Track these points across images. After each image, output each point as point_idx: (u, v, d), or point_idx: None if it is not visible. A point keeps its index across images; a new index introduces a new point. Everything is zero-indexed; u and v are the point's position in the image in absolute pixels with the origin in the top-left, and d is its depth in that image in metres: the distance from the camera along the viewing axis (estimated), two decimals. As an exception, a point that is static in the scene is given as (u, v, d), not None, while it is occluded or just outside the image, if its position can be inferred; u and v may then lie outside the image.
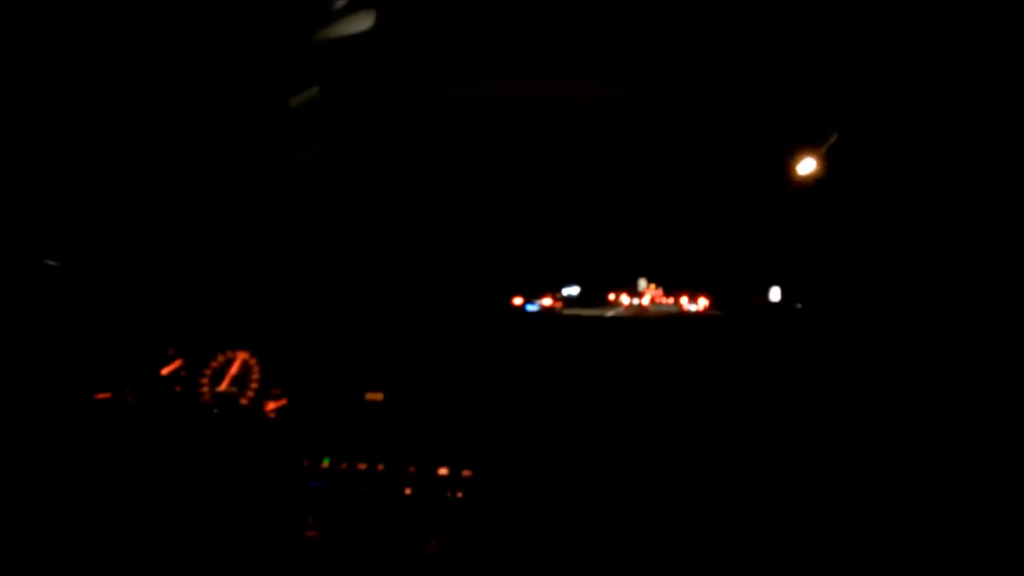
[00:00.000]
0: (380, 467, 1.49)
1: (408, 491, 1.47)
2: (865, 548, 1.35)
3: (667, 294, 3.53)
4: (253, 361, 1.70)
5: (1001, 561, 1.31)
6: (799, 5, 1.43)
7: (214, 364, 1.70)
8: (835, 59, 1.57)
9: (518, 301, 2.78)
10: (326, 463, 1.51)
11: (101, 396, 1.65)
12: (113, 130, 1.59)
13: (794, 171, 1.94)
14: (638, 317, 3.09)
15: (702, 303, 3.27)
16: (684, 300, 3.39)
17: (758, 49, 1.55)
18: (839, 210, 2.08)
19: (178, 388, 1.68)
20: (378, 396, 1.62)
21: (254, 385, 1.68)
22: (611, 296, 3.56)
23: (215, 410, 1.65)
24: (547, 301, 3.01)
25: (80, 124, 1.54)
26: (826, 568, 1.35)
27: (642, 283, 3.50)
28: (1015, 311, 1.87)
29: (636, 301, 3.52)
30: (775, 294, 2.76)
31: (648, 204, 2.43)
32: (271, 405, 1.65)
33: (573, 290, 3.23)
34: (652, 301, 3.53)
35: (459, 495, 1.45)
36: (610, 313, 3.21)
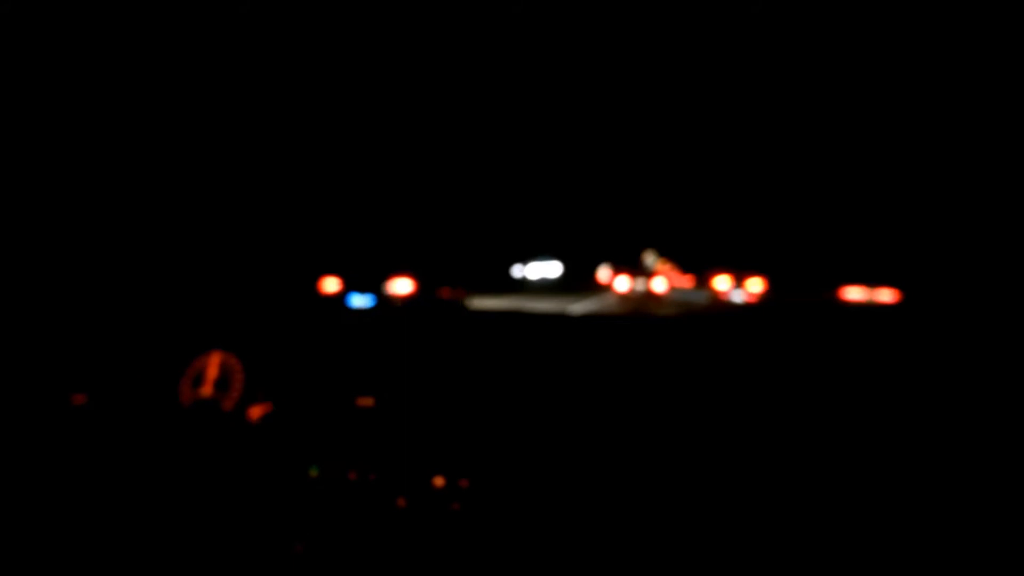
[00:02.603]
0: (372, 476, 1.45)
1: (402, 502, 1.42)
2: (867, 548, 1.32)
3: (687, 271, 2.33)
4: (236, 363, 1.62)
5: (1002, 561, 1.28)
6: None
7: (195, 366, 1.62)
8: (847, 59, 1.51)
9: (332, 286, 1.69)
10: (314, 472, 1.46)
11: (75, 399, 1.58)
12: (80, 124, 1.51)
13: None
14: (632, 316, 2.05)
15: (754, 287, 2.00)
16: (721, 282, 2.11)
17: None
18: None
19: (155, 392, 1.60)
20: (369, 401, 1.55)
21: (237, 389, 1.60)
22: (602, 275, 2.40)
23: (195, 416, 1.58)
24: (404, 286, 1.82)
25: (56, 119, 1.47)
26: (828, 568, 1.32)
27: (650, 258, 2.38)
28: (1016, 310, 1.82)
29: (639, 286, 2.36)
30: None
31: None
32: (255, 410, 1.58)
33: (542, 268, 2.16)
34: (671, 286, 2.33)
35: (455, 506, 1.40)
36: (578, 307, 2.11)
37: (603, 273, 2.37)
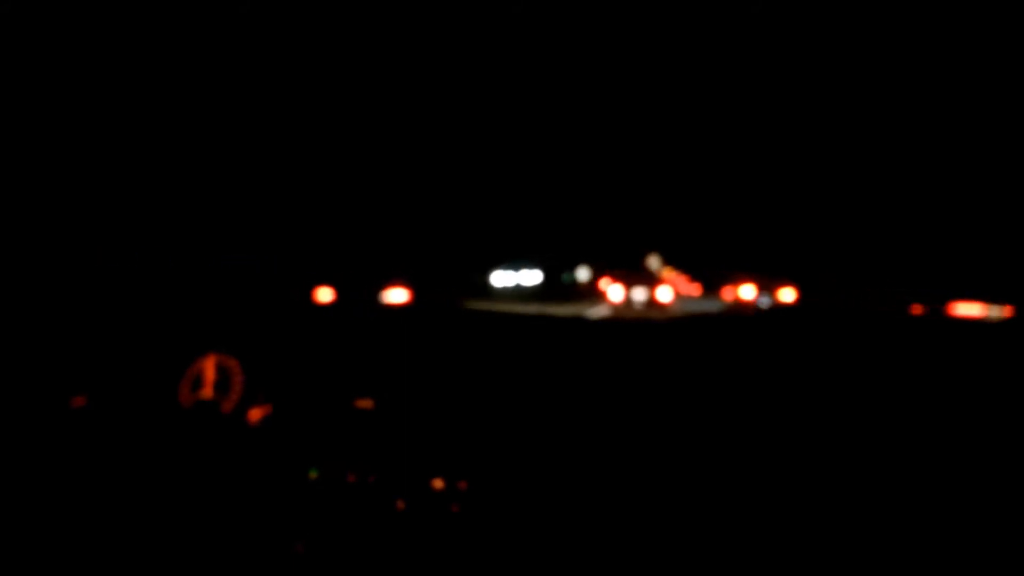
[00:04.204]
0: (371, 478, 1.44)
1: (401, 504, 1.41)
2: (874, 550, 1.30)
3: (696, 279, 2.05)
4: (235, 365, 1.61)
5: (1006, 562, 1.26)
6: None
7: (194, 368, 1.62)
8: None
9: (326, 296, 1.70)
10: (313, 474, 1.45)
11: (75, 402, 1.57)
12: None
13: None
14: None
15: (785, 296, 1.74)
16: (745, 291, 1.84)
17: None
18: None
19: (155, 394, 1.60)
20: (368, 403, 1.55)
21: (237, 391, 1.59)
22: (581, 278, 2.08)
23: (195, 417, 1.58)
24: (399, 295, 1.79)
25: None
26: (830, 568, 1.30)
27: (654, 262, 2.03)
28: None
29: (641, 296, 2.06)
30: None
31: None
32: (255, 412, 1.57)
33: (515, 275, 1.93)
34: (676, 294, 2.00)
35: (455, 508, 1.39)
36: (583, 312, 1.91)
37: (582, 274, 2.15)
